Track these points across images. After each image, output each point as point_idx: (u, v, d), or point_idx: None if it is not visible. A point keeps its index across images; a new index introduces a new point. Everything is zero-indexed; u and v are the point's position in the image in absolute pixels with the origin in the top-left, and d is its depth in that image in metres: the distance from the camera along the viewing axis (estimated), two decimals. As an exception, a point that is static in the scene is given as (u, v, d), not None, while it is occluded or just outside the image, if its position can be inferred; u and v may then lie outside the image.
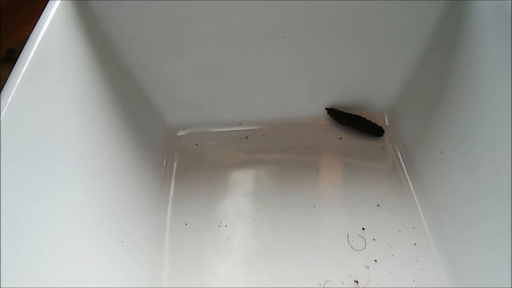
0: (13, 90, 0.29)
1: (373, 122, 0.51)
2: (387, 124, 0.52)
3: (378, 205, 0.45)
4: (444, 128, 0.43)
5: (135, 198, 0.42)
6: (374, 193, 0.46)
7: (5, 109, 0.28)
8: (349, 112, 0.51)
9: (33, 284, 0.27)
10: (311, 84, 0.50)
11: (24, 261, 0.27)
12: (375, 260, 0.41)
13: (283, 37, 0.45)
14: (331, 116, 0.52)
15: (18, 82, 0.29)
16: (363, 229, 0.43)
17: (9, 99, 0.28)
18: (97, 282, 0.33)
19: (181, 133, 0.52)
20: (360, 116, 0.51)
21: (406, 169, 0.48)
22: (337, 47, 0.47)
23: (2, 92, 0.29)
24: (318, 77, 0.50)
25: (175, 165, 0.49)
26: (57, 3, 0.36)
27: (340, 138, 0.51)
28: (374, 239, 0.42)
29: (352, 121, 0.51)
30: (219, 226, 0.44)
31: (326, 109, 0.52)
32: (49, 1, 0.36)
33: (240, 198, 0.46)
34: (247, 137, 0.52)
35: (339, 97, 0.52)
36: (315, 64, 0.48)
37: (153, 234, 0.43)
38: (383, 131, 0.51)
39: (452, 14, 0.42)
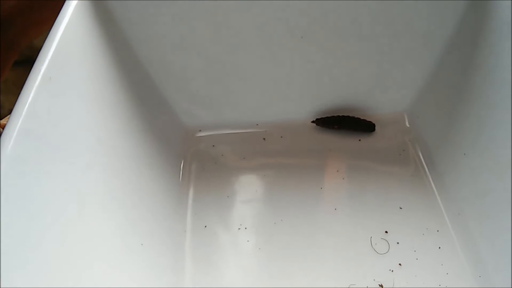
0: (33, 90, 0.28)
1: (362, 118, 0.50)
2: (408, 125, 0.51)
3: (400, 208, 0.44)
4: (466, 129, 0.43)
5: (155, 200, 0.41)
6: (396, 196, 0.45)
7: (25, 110, 0.27)
8: (337, 115, 0.51)
9: (54, 284, 0.27)
10: (328, 85, 0.50)
11: (43, 263, 0.26)
12: (400, 264, 0.40)
13: (301, 37, 0.44)
14: (321, 126, 0.51)
15: (38, 82, 0.29)
16: (386, 232, 0.42)
17: (29, 99, 0.28)
18: (118, 284, 0.33)
19: (198, 134, 0.52)
20: (349, 116, 0.51)
21: (429, 171, 0.47)
22: (355, 48, 0.46)
23: (21, 92, 0.28)
24: (336, 78, 0.49)
25: (193, 167, 0.49)
26: (74, 2, 0.35)
27: (359, 140, 0.50)
28: (397, 243, 0.41)
29: (344, 123, 0.50)
30: (238, 229, 0.43)
31: (313, 121, 0.51)
32: (66, 1, 0.35)
33: (259, 200, 0.45)
34: (264, 138, 0.51)
35: (358, 98, 0.51)
36: (332, 65, 0.47)
37: (173, 236, 0.42)
38: (374, 126, 0.50)
39: (472, 14, 0.41)
